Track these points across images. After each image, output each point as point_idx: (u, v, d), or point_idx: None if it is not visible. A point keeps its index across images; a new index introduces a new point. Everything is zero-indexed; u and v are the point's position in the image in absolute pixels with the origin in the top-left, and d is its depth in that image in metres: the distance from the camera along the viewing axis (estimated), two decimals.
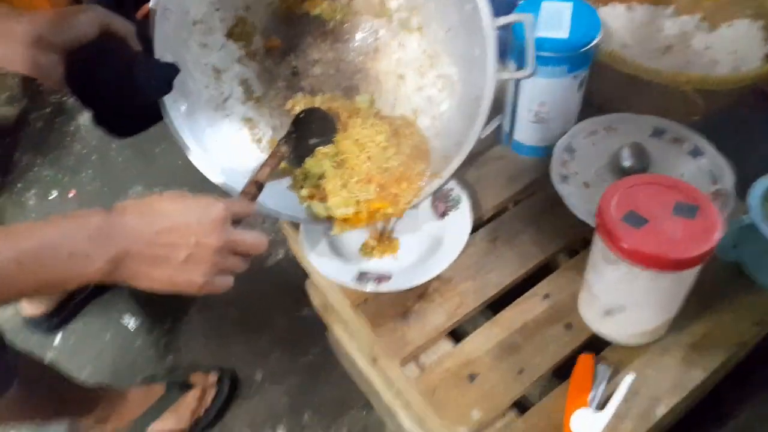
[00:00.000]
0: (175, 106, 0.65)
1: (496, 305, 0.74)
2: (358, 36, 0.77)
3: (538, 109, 0.80)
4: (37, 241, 0.44)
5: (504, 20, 0.63)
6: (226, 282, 0.53)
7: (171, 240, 0.48)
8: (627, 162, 0.81)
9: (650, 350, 0.67)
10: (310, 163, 0.71)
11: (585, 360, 0.66)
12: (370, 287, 0.71)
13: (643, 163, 0.80)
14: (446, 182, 0.70)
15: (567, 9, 0.75)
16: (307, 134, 0.72)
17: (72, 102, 1.80)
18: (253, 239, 0.54)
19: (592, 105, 0.86)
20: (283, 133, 0.73)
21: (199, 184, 1.50)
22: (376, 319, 0.72)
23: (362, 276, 0.73)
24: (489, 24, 0.62)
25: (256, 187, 0.63)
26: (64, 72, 0.56)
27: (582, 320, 0.70)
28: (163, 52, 0.63)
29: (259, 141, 0.77)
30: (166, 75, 0.61)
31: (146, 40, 0.62)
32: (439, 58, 0.74)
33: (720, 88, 0.78)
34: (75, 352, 1.26)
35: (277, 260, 1.35)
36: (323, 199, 0.70)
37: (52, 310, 1.27)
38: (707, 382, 0.67)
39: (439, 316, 0.72)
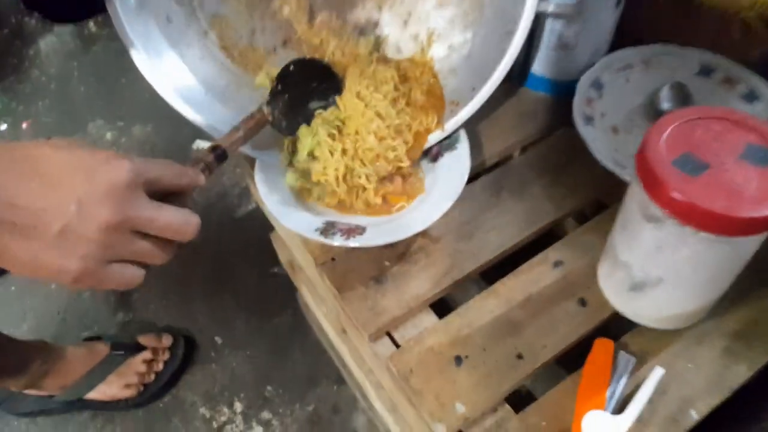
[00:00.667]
0: None
1: (493, 273, 0.59)
2: None
3: (563, 30, 0.63)
4: None
5: None
6: (129, 275, 0.37)
7: (43, 203, 0.33)
8: (666, 104, 0.66)
9: (684, 337, 0.54)
10: (301, 131, 0.57)
11: (603, 346, 0.52)
12: (337, 241, 0.56)
13: (686, 107, 0.65)
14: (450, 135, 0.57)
15: None
16: (301, 93, 0.57)
17: (33, 24, 1.62)
18: (172, 219, 0.37)
19: (626, 34, 0.70)
20: (264, 40, 0.57)
21: (165, 118, 1.34)
22: (344, 281, 0.58)
23: (329, 227, 0.58)
24: None
25: (214, 155, 0.48)
26: None
27: (601, 295, 0.56)
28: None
29: (229, 49, 0.61)
30: None
31: None
32: None
33: None
34: (16, 299, 1.12)
35: (249, 210, 1.21)
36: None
37: None
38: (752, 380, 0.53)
39: (422, 282, 0.57)
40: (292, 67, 0.58)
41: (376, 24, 0.64)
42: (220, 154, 0.48)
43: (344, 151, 0.58)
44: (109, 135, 1.35)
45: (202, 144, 1.33)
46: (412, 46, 0.64)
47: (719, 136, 0.44)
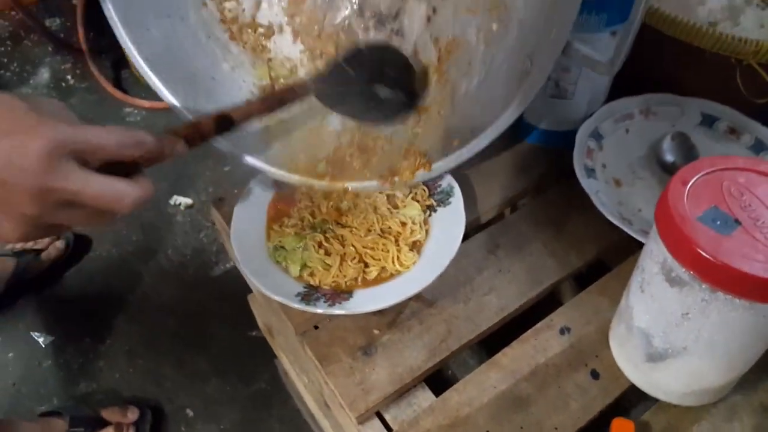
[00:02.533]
0: None
1: (494, 341, 0.53)
2: None
3: (561, 76, 0.60)
4: None
5: None
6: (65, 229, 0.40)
7: None
8: (670, 156, 0.62)
9: (711, 414, 0.48)
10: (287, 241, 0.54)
11: (622, 428, 0.46)
12: (320, 308, 0.50)
13: (690, 159, 0.61)
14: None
15: None
16: (371, 78, 0.52)
17: (8, 76, 1.58)
18: (99, 193, 0.35)
19: (624, 81, 0.67)
20: (274, 13, 0.53)
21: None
22: (328, 352, 0.51)
23: (311, 291, 0.52)
24: None
25: (215, 123, 0.44)
26: None
27: (615, 366, 0.50)
28: None
29: (229, 23, 0.55)
30: None
31: None
32: None
33: None
34: None
35: (227, 269, 1.14)
36: None
37: None
38: None
39: (416, 352, 0.51)
40: (364, 49, 0.53)
41: (397, 13, 0.58)
42: (222, 122, 0.45)
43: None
44: None
45: (180, 199, 1.28)
46: (431, 51, 0.57)
47: (747, 189, 0.39)
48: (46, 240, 1.14)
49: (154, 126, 1.42)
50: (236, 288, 1.08)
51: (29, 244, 1.12)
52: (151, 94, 1.49)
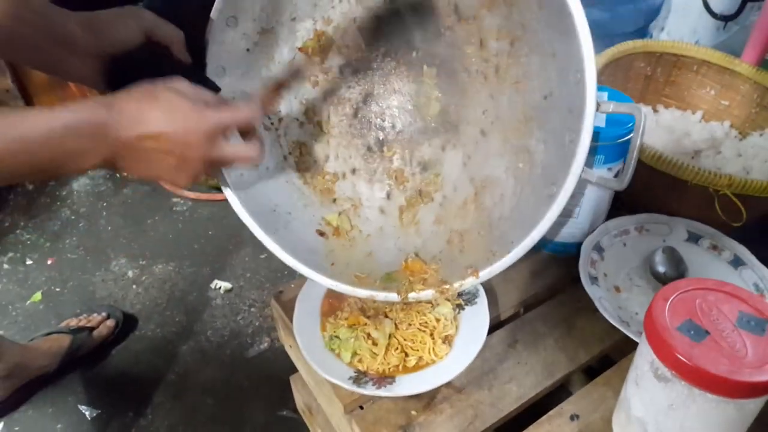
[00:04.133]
0: None
1: (508, 425, 0.62)
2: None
3: (568, 201, 0.72)
4: (43, 132, 0.45)
5: (613, 107, 0.57)
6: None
7: (158, 146, 0.49)
8: (661, 267, 0.73)
9: None
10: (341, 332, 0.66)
11: None
12: (368, 390, 0.60)
13: (679, 270, 0.73)
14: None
15: (603, 98, 0.70)
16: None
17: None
18: (242, 154, 0.54)
19: (621, 204, 0.80)
20: (336, 166, 0.68)
21: (187, 258, 1.40)
22: (373, 429, 0.60)
23: (360, 376, 0.62)
24: (591, 102, 0.51)
25: (274, 89, 0.63)
26: (104, 79, 0.57)
27: None
28: (217, 63, 0.60)
29: (304, 170, 0.70)
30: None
31: (198, 49, 0.60)
32: (529, 125, 0.62)
33: (763, 194, 0.72)
34: None
35: (261, 350, 1.23)
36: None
37: (3, 399, 1.12)
38: None
39: (448, 431, 0.60)
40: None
41: (437, 162, 0.71)
42: (278, 87, 0.65)
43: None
44: (130, 273, 1.40)
45: (220, 284, 1.39)
46: (468, 188, 0.68)
47: (715, 306, 0.50)
48: (98, 318, 1.25)
49: (197, 214, 1.57)
50: (270, 368, 1.18)
51: (82, 322, 1.23)
52: (195, 186, 1.64)
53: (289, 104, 0.68)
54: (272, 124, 0.67)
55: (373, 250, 0.68)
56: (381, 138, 0.72)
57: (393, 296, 0.61)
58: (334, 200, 0.69)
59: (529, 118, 0.61)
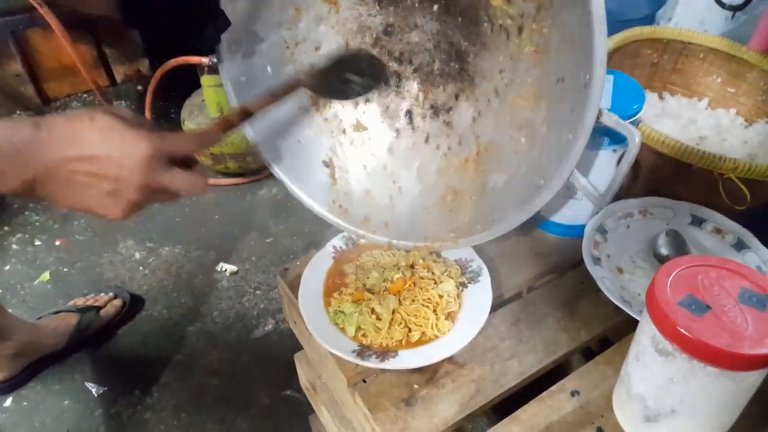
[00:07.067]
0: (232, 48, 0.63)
1: (505, 403, 0.63)
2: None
3: (572, 182, 0.73)
4: None
5: (613, 121, 0.58)
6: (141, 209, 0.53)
7: (91, 170, 0.46)
8: (664, 250, 0.73)
9: None
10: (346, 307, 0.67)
11: None
12: (372, 363, 0.61)
13: (682, 253, 0.73)
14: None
15: (608, 81, 0.71)
16: (346, 69, 0.66)
17: None
18: (182, 183, 0.51)
19: (625, 187, 0.80)
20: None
21: (194, 242, 1.41)
22: (376, 403, 0.61)
23: (364, 350, 0.63)
24: (593, 111, 0.53)
25: (239, 116, 0.59)
26: (120, 6, 0.56)
27: (618, 425, 0.59)
28: None
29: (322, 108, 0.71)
30: (220, 27, 0.59)
31: None
32: (539, 103, 0.63)
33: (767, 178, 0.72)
34: (27, 416, 1.12)
35: (266, 332, 1.24)
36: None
37: (13, 375, 1.14)
38: None
39: (449, 405, 0.61)
40: (345, 54, 0.68)
41: (449, 109, 0.72)
42: (244, 113, 0.59)
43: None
44: (137, 255, 1.42)
45: (226, 266, 1.41)
46: (473, 145, 0.71)
47: (717, 282, 0.51)
48: (105, 298, 1.26)
49: (205, 199, 1.58)
50: (274, 350, 1.20)
51: (90, 302, 1.24)
52: (203, 171, 1.65)
53: (306, 26, 0.68)
54: (287, 47, 0.68)
55: (372, 189, 0.69)
56: (398, 72, 0.72)
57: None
58: (344, 131, 0.70)
59: (540, 96, 0.62)
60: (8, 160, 0.43)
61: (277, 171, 0.68)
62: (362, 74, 0.68)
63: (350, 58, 0.68)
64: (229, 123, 0.58)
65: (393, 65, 0.71)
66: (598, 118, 0.54)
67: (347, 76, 0.67)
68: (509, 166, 0.67)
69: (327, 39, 0.70)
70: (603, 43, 0.50)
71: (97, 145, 0.46)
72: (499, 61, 0.66)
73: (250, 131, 0.67)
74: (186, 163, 0.53)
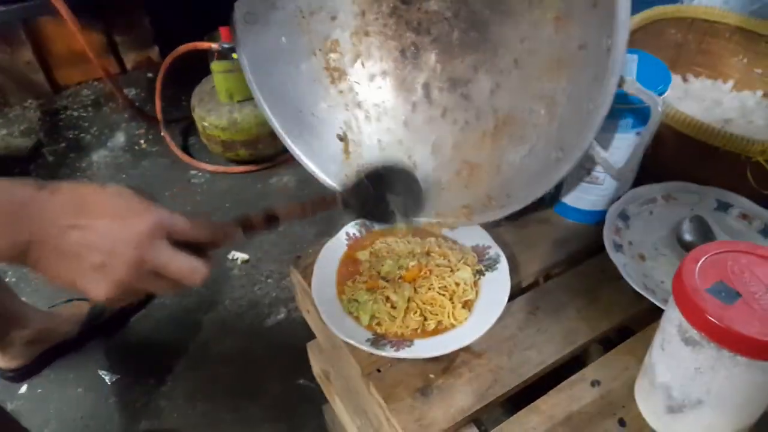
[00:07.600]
0: (248, 18, 0.62)
1: (520, 394, 0.62)
2: None
3: (593, 166, 0.71)
4: None
5: (636, 88, 0.55)
6: (137, 296, 0.48)
7: (85, 240, 0.42)
8: (689, 236, 0.71)
9: None
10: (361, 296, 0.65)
11: None
12: (387, 352, 0.60)
13: (707, 239, 0.70)
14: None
15: (633, 61, 0.68)
16: (383, 191, 0.62)
17: (88, 138, 1.76)
18: (180, 268, 0.45)
19: (648, 171, 0.78)
20: (366, 64, 0.66)
21: None
22: (391, 393, 0.60)
23: (378, 338, 0.62)
24: (615, 75, 0.50)
25: (265, 220, 0.54)
26: None
27: (640, 416, 0.58)
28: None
29: (333, 70, 0.68)
30: None
31: None
32: (560, 72, 0.61)
33: None
34: (41, 403, 1.12)
35: (278, 320, 1.24)
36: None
37: (27, 363, 1.14)
38: None
39: (466, 395, 0.59)
40: (381, 169, 0.64)
41: (467, 81, 0.70)
42: (270, 219, 0.54)
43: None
44: None
45: (238, 255, 1.40)
46: (490, 120, 0.68)
47: (747, 268, 0.49)
48: None
49: (216, 187, 1.57)
50: (287, 338, 1.19)
51: None
52: (214, 159, 1.65)
53: None
54: (303, 16, 0.66)
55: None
56: (416, 43, 0.69)
57: None
58: (359, 104, 0.68)
59: (562, 65, 0.60)
60: (4, 217, 0.40)
61: (290, 143, 0.66)
62: (399, 193, 0.64)
63: (386, 173, 0.64)
64: (250, 224, 0.53)
65: (410, 36, 0.68)
66: (620, 85, 0.52)
67: (383, 193, 0.64)
68: (527, 140, 0.65)
69: (343, 8, 0.67)
70: (626, 4, 0.47)
71: (99, 212, 0.43)
72: (521, 29, 0.63)
73: (261, 99, 0.64)
74: (196, 250, 0.47)
